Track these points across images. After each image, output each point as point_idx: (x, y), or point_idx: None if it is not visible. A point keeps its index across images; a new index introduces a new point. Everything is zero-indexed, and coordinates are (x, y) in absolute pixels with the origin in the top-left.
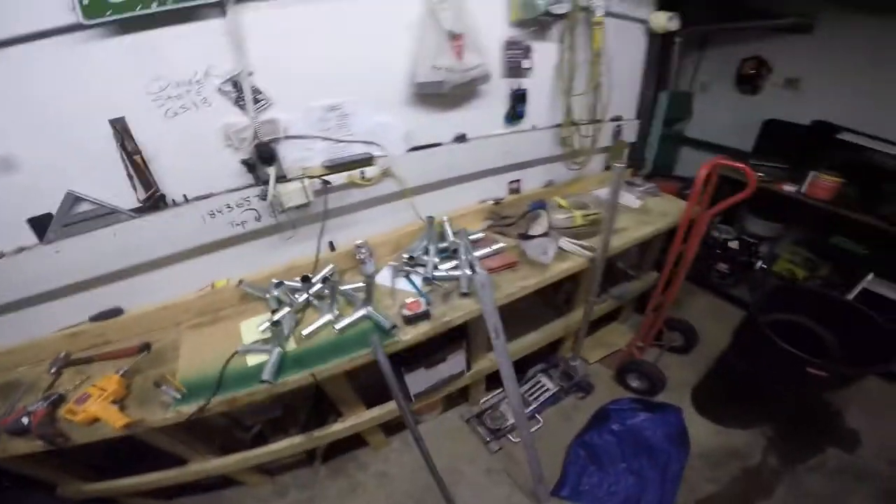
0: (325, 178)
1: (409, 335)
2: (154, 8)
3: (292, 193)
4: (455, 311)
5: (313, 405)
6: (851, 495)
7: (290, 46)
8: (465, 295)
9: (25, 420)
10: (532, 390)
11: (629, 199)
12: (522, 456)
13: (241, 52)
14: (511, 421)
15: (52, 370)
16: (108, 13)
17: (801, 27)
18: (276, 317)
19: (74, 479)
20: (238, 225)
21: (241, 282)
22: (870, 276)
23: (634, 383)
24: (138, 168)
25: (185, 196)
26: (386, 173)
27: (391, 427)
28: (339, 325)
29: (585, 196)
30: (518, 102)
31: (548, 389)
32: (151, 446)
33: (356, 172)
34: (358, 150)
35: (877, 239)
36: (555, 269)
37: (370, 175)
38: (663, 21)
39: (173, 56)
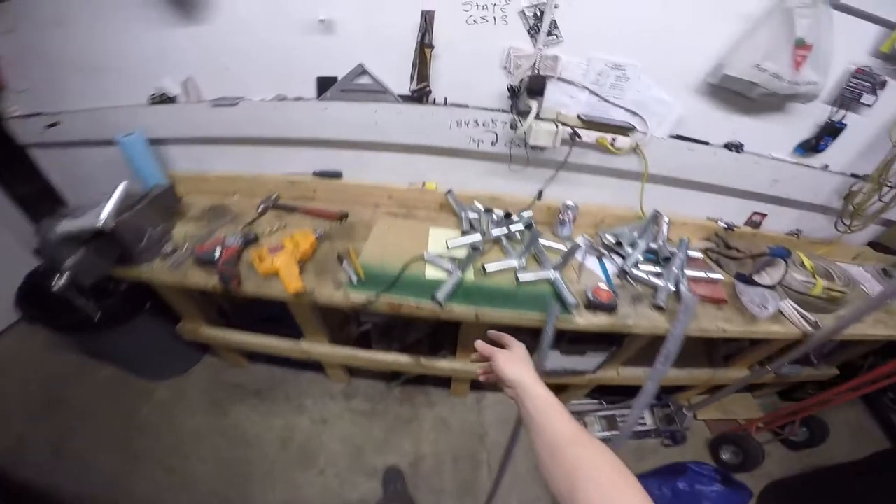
0: (578, 129)
1: (585, 321)
2: None
3: (541, 133)
4: (640, 320)
5: (432, 332)
6: None
7: None
8: (658, 308)
9: (217, 252)
10: (626, 416)
11: None
12: None
13: None
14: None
15: (260, 207)
16: None
17: None
18: (470, 239)
19: (199, 320)
20: (475, 141)
21: (449, 191)
22: None
23: (726, 455)
24: (423, 61)
25: (445, 99)
26: (635, 149)
27: (476, 383)
28: (522, 277)
29: (831, 265)
30: (827, 135)
31: (644, 423)
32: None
33: (608, 136)
34: (619, 116)
35: None
36: (763, 327)
37: (620, 145)
38: None
39: None
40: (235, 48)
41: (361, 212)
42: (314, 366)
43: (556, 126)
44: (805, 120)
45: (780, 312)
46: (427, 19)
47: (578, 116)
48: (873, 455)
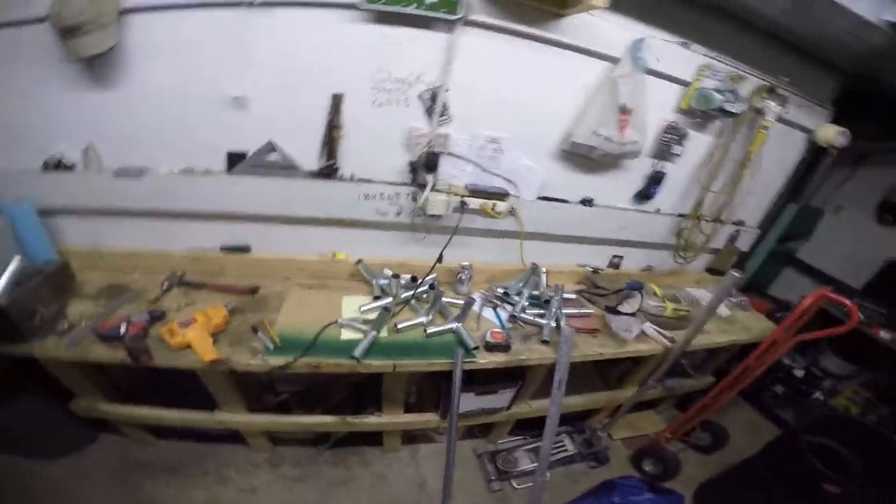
0: (465, 198)
1: (486, 360)
2: (411, 9)
3: (436, 203)
4: (532, 353)
5: (354, 392)
6: None
7: (482, 77)
8: (544, 342)
9: (123, 328)
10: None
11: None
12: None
13: (448, 69)
14: (520, 468)
15: (164, 285)
16: (381, 1)
17: None
18: (382, 303)
19: (95, 395)
20: (381, 213)
21: (359, 261)
22: None
23: (648, 467)
24: (332, 140)
25: (352, 175)
26: (511, 212)
27: (408, 436)
28: (430, 330)
29: (679, 291)
30: (653, 184)
31: (566, 450)
32: (180, 382)
33: (489, 203)
34: (497, 183)
35: None
36: (631, 346)
37: (500, 209)
38: (831, 135)
39: (401, 54)
40: (144, 118)
41: (273, 285)
42: (232, 438)
43: (448, 196)
44: (636, 173)
45: (644, 333)
46: (337, 101)
47: (466, 187)
48: (768, 444)
